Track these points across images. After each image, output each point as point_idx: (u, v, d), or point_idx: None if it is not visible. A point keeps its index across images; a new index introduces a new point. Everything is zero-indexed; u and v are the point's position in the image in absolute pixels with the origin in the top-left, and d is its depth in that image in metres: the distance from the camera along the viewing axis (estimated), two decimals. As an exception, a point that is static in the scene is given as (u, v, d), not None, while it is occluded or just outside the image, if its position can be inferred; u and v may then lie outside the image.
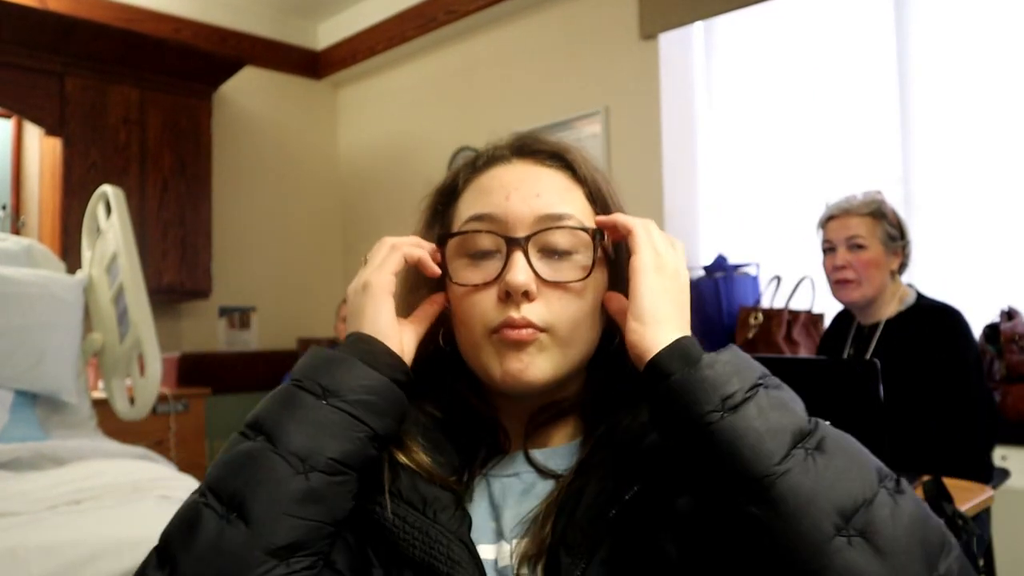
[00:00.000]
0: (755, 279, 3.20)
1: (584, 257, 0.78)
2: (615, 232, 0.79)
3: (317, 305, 4.89)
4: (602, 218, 0.80)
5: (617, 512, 0.70)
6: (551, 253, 0.78)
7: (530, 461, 0.80)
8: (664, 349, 0.68)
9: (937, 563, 0.59)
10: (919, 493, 1.43)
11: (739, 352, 0.68)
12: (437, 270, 0.80)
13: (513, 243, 0.76)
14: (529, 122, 3.86)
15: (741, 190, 3.40)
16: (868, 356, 2.06)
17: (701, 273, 3.26)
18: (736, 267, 3.18)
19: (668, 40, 3.39)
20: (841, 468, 0.62)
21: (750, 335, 2.97)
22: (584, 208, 0.81)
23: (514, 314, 0.74)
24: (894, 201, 2.29)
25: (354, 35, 4.73)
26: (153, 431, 3.39)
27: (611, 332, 0.81)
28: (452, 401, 0.83)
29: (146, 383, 2.53)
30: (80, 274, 2.75)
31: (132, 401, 2.69)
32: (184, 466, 2.68)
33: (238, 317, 4.58)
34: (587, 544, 0.70)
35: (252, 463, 0.67)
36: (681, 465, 0.68)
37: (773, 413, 0.63)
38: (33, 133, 3.82)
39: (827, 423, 0.66)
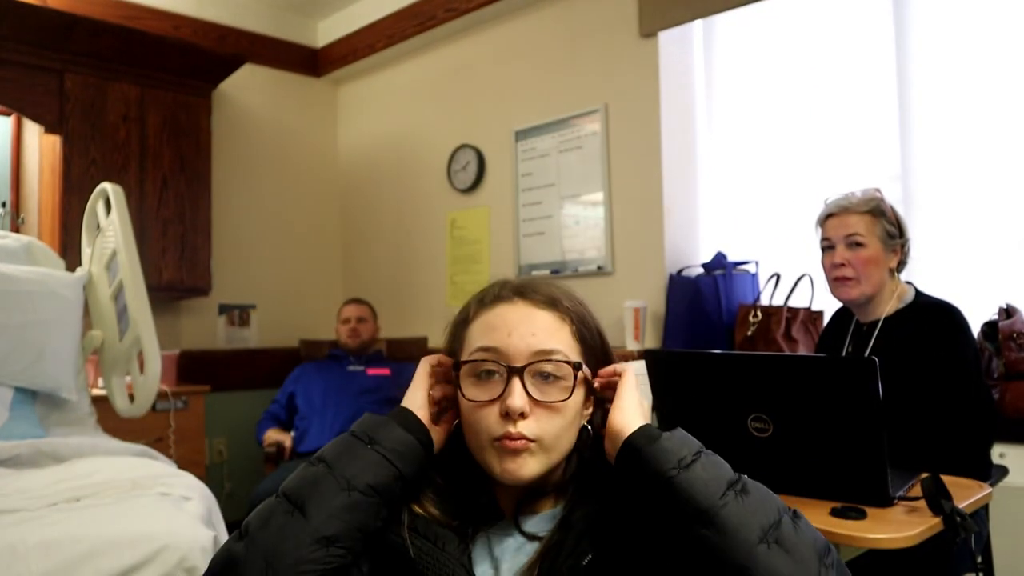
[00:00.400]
0: (754, 277, 3.21)
1: (567, 382, 1.01)
2: (611, 373, 1.07)
3: (317, 302, 4.90)
4: (604, 370, 1.07)
5: (592, 559, 0.96)
6: (542, 377, 1.00)
7: (519, 528, 1.04)
8: (636, 431, 0.98)
9: (824, 559, 0.89)
10: (917, 491, 1.44)
11: (683, 432, 0.99)
12: (449, 362, 1.08)
13: (513, 371, 0.99)
14: (529, 120, 3.87)
15: (740, 188, 3.40)
16: (867, 354, 2.06)
17: (700, 271, 3.26)
18: (735, 265, 3.19)
19: (668, 38, 3.39)
20: (758, 501, 0.92)
21: (749, 332, 2.98)
22: (569, 342, 1.04)
23: (512, 429, 0.98)
24: (893, 199, 2.29)
25: (354, 32, 4.73)
26: (153, 428, 3.39)
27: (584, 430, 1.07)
28: (462, 476, 1.07)
29: (146, 380, 2.53)
30: (80, 271, 2.75)
31: (132, 398, 2.69)
32: (184, 463, 2.69)
33: (237, 314, 4.58)
34: None
35: (315, 480, 0.97)
36: (641, 522, 0.97)
37: (711, 469, 0.94)
38: (33, 130, 3.82)
39: (746, 476, 0.96)
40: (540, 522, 1.04)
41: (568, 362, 1.01)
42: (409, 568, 0.98)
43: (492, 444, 0.99)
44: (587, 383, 1.05)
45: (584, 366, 1.03)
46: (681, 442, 0.96)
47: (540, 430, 0.98)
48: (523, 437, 0.97)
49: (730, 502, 0.90)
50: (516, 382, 0.98)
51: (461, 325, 1.08)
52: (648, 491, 0.94)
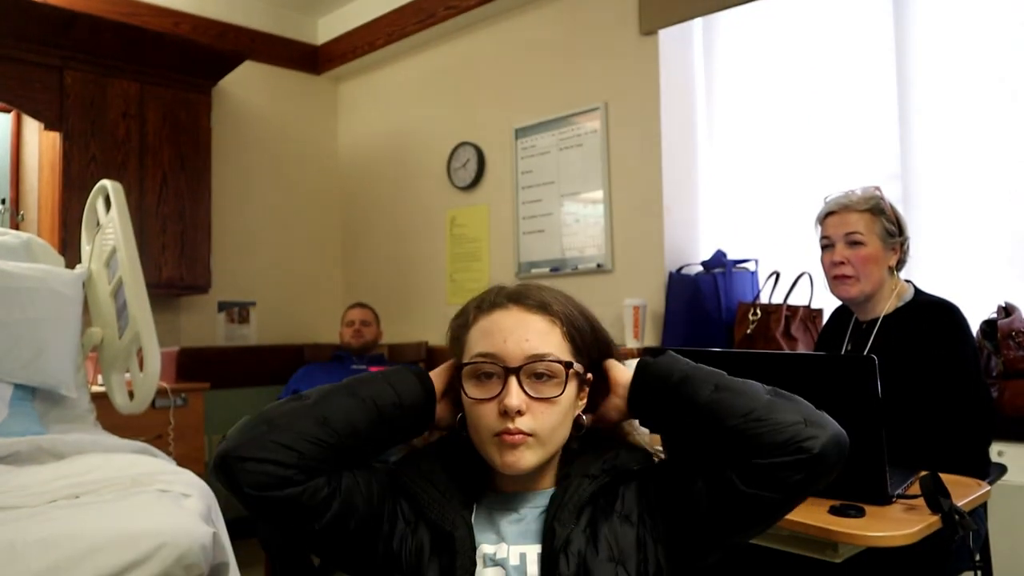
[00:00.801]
0: (754, 275, 3.21)
1: (559, 379, 1.11)
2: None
3: (316, 299, 4.90)
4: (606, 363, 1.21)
5: (592, 491, 1.12)
6: (536, 376, 1.10)
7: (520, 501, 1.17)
8: (640, 360, 1.17)
9: (807, 408, 1.06)
10: (916, 489, 1.44)
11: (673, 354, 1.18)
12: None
13: (510, 371, 1.09)
14: (529, 117, 3.87)
15: (740, 186, 3.40)
16: (866, 352, 2.06)
17: (699, 269, 3.26)
18: (735, 263, 3.19)
19: (668, 36, 3.39)
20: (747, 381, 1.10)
21: (748, 331, 2.98)
22: (559, 343, 1.13)
23: (510, 425, 1.08)
24: (892, 197, 2.29)
25: (354, 30, 4.73)
26: (152, 425, 3.39)
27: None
28: (466, 461, 1.18)
29: (145, 377, 2.53)
30: (79, 268, 2.75)
31: (131, 395, 2.69)
32: (183, 460, 2.69)
33: (237, 312, 4.58)
34: (571, 517, 1.09)
35: (327, 390, 1.13)
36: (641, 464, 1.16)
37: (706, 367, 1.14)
38: (32, 127, 3.82)
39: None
40: (538, 498, 1.16)
41: (559, 362, 1.11)
42: (419, 507, 1.13)
43: (492, 439, 1.09)
44: (579, 377, 1.15)
45: (575, 363, 1.14)
46: (675, 357, 1.16)
47: (536, 425, 1.09)
48: (521, 432, 1.08)
49: (732, 377, 1.10)
50: (513, 382, 1.09)
51: (462, 329, 1.19)
52: (664, 395, 1.11)
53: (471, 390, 1.12)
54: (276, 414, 1.08)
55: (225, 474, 1.04)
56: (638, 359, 1.17)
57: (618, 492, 1.13)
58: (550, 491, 1.16)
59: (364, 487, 1.11)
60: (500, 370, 1.10)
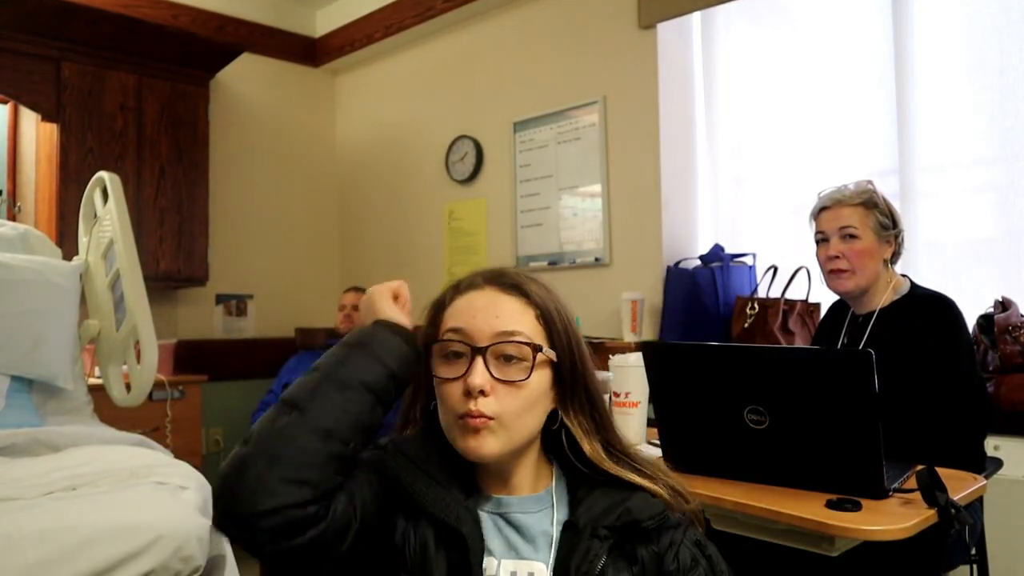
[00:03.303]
0: (751, 269, 3.21)
1: (527, 362, 1.05)
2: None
3: (314, 292, 4.90)
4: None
5: (604, 559, 1.02)
6: (505, 358, 1.05)
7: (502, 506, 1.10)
8: None
9: None
10: (912, 483, 1.44)
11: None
12: (407, 296, 1.19)
13: (476, 351, 1.05)
14: (527, 111, 3.86)
15: (738, 180, 3.40)
16: (861, 346, 2.07)
17: (697, 263, 3.26)
18: (732, 257, 3.19)
19: (666, 30, 3.38)
20: None
21: (746, 325, 2.98)
22: (532, 326, 1.08)
23: (472, 407, 1.02)
24: (890, 191, 2.29)
25: (352, 22, 4.72)
26: (149, 418, 3.39)
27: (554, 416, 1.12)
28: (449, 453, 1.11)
29: (142, 370, 2.53)
30: (76, 260, 2.74)
31: (128, 388, 2.68)
32: (180, 453, 2.68)
33: (235, 304, 4.58)
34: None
35: (311, 386, 1.04)
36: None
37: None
38: (30, 119, 3.81)
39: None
40: (525, 503, 1.10)
41: (528, 343, 1.05)
42: (418, 503, 1.05)
43: (457, 421, 1.05)
44: (555, 368, 1.09)
45: (548, 349, 1.07)
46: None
47: (500, 408, 1.03)
48: (482, 415, 1.02)
49: None
50: (478, 361, 1.04)
51: (438, 309, 1.14)
52: None
53: (439, 369, 1.08)
54: (270, 441, 0.96)
55: (243, 538, 0.95)
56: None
57: (635, 553, 1.05)
58: (533, 496, 1.10)
59: (366, 481, 1.04)
60: (468, 349, 1.05)
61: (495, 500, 1.10)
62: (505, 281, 1.11)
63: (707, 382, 1.64)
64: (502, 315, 1.06)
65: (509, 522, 1.08)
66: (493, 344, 1.05)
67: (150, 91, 3.91)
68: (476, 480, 1.12)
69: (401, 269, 4.56)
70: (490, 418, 1.03)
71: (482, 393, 1.03)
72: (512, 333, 1.05)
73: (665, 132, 3.36)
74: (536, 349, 1.06)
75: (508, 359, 1.05)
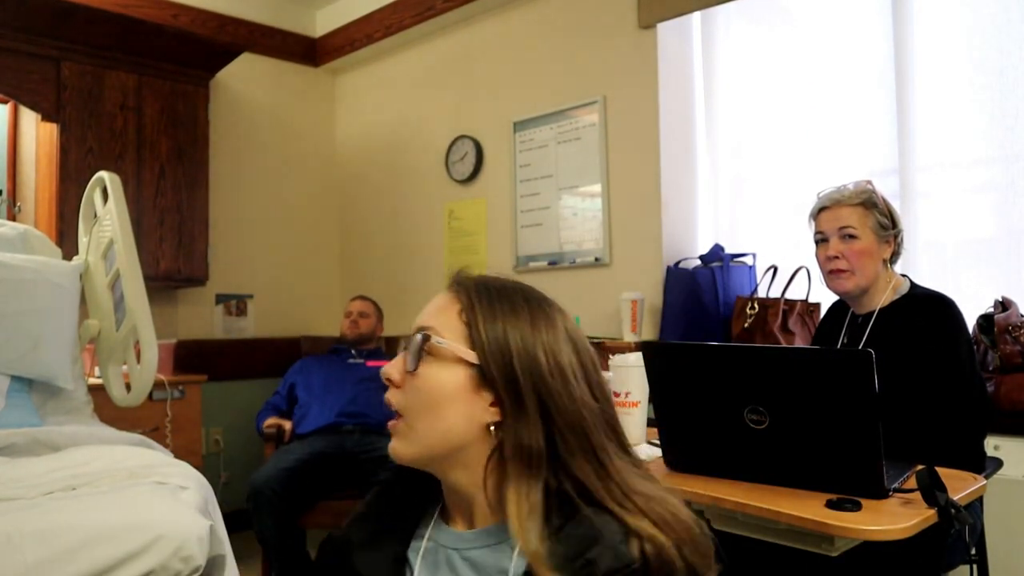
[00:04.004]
0: (751, 269, 3.21)
1: (430, 355, 0.97)
2: None
3: (314, 293, 4.90)
4: None
5: None
6: (423, 354, 0.97)
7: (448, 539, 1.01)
8: None
9: None
10: (912, 483, 1.44)
11: None
12: None
13: (399, 342, 1.02)
14: (527, 111, 3.86)
15: (738, 180, 3.40)
16: (861, 345, 2.07)
17: (697, 263, 3.26)
18: (732, 257, 3.19)
19: (666, 30, 3.38)
20: None
21: (746, 325, 2.98)
22: (453, 322, 0.98)
23: (386, 396, 0.99)
24: (890, 191, 2.29)
25: (352, 22, 4.72)
26: (149, 418, 3.39)
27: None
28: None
29: (142, 370, 2.53)
30: (76, 260, 2.74)
31: (128, 388, 2.68)
32: (180, 453, 2.69)
33: (235, 304, 4.58)
34: None
35: None
36: None
37: None
38: (30, 118, 3.81)
39: None
40: (478, 537, 0.98)
41: (421, 333, 0.97)
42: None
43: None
44: (485, 378, 0.95)
45: (454, 344, 0.96)
46: None
47: (403, 402, 0.98)
48: (391, 406, 0.99)
49: None
50: (400, 351, 1.00)
51: None
52: None
53: None
54: None
55: None
56: None
57: None
58: (492, 528, 0.97)
59: None
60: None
61: (454, 535, 1.00)
62: (453, 279, 1.05)
63: (707, 382, 1.64)
64: (427, 309, 1.02)
65: (466, 559, 0.98)
66: (407, 336, 1.00)
67: (150, 91, 3.91)
68: (445, 511, 1.05)
69: (401, 269, 4.56)
70: (400, 414, 0.99)
71: (391, 383, 0.99)
72: (424, 327, 0.98)
73: (665, 132, 3.36)
74: (424, 338, 0.97)
75: (424, 355, 0.97)
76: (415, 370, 0.97)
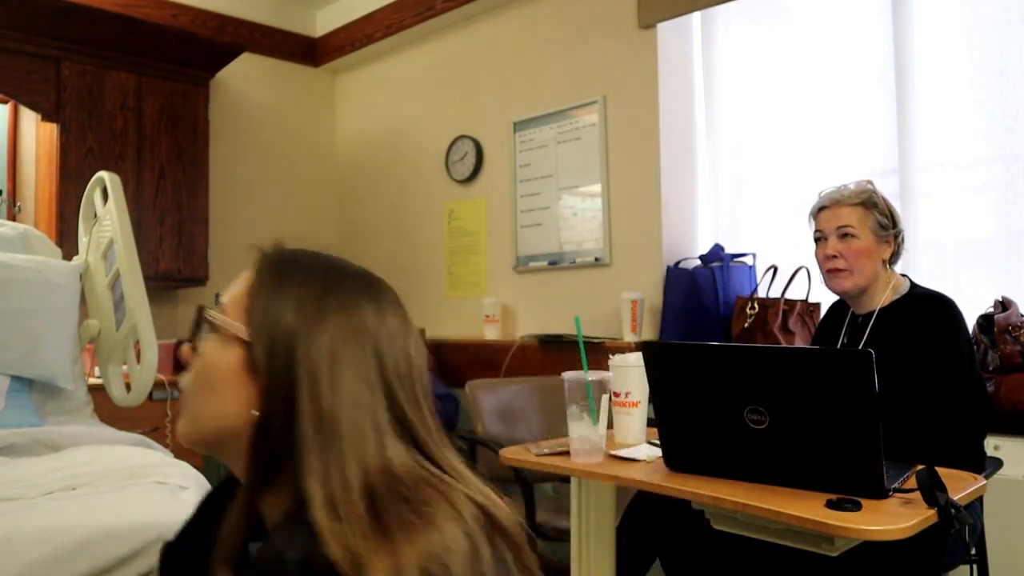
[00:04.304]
0: (751, 269, 3.21)
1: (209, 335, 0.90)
2: None
3: (314, 293, 4.89)
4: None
5: None
6: (203, 331, 0.90)
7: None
8: None
9: None
10: (912, 483, 1.44)
11: None
12: None
13: None
14: (527, 111, 3.86)
15: (738, 180, 3.40)
16: (861, 345, 2.07)
17: (697, 263, 3.26)
18: (732, 257, 3.19)
19: (666, 29, 3.38)
20: None
21: (746, 325, 2.98)
22: (238, 297, 0.90)
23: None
24: (890, 191, 2.29)
25: (352, 22, 4.72)
26: (149, 418, 3.39)
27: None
28: None
29: (142, 370, 2.53)
30: (76, 260, 2.74)
31: (128, 388, 2.69)
32: (180, 453, 2.69)
33: (235, 304, 4.57)
34: None
35: None
36: None
37: None
38: (29, 118, 3.81)
39: None
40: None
41: (202, 307, 0.92)
42: None
43: None
44: (250, 355, 0.86)
45: (225, 319, 0.88)
46: None
47: (184, 382, 0.91)
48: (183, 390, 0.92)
49: None
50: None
51: None
52: None
53: None
54: None
55: None
56: None
57: None
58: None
59: None
60: None
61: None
62: (260, 251, 0.96)
63: (707, 382, 1.64)
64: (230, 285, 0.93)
65: None
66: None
67: (150, 91, 3.91)
68: None
69: (401, 269, 4.56)
70: (183, 396, 0.91)
71: (184, 362, 0.92)
72: (220, 304, 0.92)
73: (665, 132, 3.36)
74: (201, 312, 0.91)
75: (193, 327, 0.92)
76: (197, 348, 0.90)
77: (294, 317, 0.86)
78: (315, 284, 0.90)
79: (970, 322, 2.38)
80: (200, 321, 0.90)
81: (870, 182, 2.14)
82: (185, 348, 0.91)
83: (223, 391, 0.87)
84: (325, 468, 0.80)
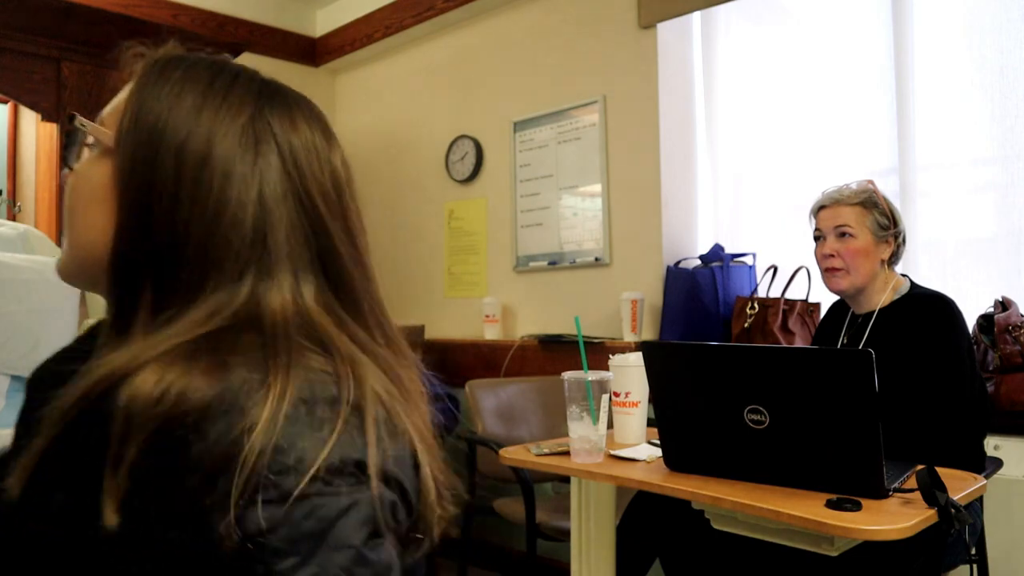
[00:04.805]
0: (751, 269, 3.21)
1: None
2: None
3: (314, 293, 4.89)
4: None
5: None
6: (75, 144, 0.79)
7: None
8: None
9: None
10: (912, 482, 1.44)
11: None
12: None
13: None
14: (527, 111, 3.86)
15: (738, 179, 3.40)
16: (861, 345, 2.07)
17: (697, 263, 3.26)
18: (732, 257, 3.19)
19: (666, 29, 3.38)
20: None
21: (746, 324, 2.98)
22: (121, 104, 0.78)
23: None
24: (890, 191, 2.29)
25: (352, 22, 4.72)
26: (149, 417, 3.39)
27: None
28: None
29: (142, 369, 2.53)
30: (76, 260, 2.74)
31: (128, 387, 2.68)
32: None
33: (235, 304, 4.57)
34: None
35: None
36: None
37: None
38: (29, 118, 3.81)
39: None
40: None
41: (71, 115, 0.81)
42: None
43: None
44: (118, 170, 0.73)
45: (90, 123, 0.80)
46: None
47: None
48: None
49: None
50: None
51: None
52: None
53: None
54: None
55: None
56: None
57: None
58: None
59: None
60: None
61: None
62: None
63: (707, 382, 1.64)
64: None
65: None
66: None
67: (150, 91, 3.91)
68: None
69: (401, 269, 4.56)
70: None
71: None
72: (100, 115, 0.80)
73: (665, 131, 3.36)
74: (70, 119, 0.79)
75: (64, 140, 0.81)
76: (73, 166, 0.77)
77: (168, 115, 0.73)
78: (200, 79, 0.77)
79: (970, 322, 2.38)
80: (72, 134, 0.78)
81: (871, 182, 2.14)
82: (65, 173, 0.78)
83: (92, 210, 0.74)
84: (181, 303, 0.68)
